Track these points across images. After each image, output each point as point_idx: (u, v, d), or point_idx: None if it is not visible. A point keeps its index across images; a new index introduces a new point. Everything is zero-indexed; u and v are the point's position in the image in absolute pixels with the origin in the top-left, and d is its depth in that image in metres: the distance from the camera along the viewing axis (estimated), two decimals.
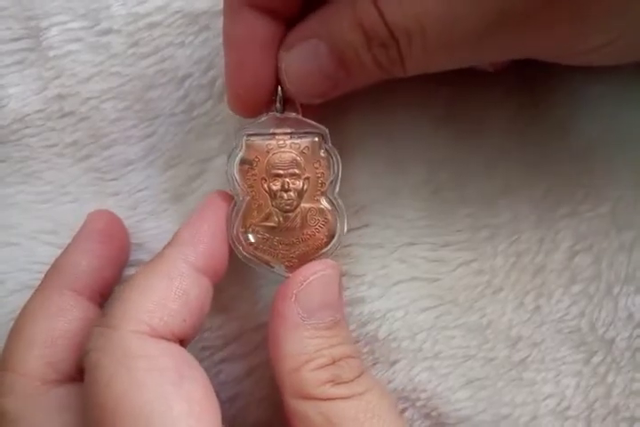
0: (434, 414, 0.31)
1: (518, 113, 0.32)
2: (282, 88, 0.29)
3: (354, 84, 0.28)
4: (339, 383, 0.27)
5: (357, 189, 0.31)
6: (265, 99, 0.29)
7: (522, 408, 0.31)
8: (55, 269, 0.30)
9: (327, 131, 0.29)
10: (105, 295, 0.31)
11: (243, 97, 0.29)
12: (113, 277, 0.31)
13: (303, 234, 0.29)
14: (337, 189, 0.29)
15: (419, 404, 0.31)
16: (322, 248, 0.29)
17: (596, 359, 0.30)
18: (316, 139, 0.29)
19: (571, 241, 0.31)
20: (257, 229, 0.29)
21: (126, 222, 0.33)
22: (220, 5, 0.31)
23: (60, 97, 0.33)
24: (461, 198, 0.31)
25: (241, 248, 0.29)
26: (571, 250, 0.31)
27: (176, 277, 0.27)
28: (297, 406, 0.27)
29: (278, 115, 0.29)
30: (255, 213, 0.29)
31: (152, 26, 0.33)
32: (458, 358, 0.31)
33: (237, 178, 0.29)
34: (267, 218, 0.29)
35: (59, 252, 0.31)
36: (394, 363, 0.31)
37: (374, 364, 0.32)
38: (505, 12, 0.24)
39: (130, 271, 0.32)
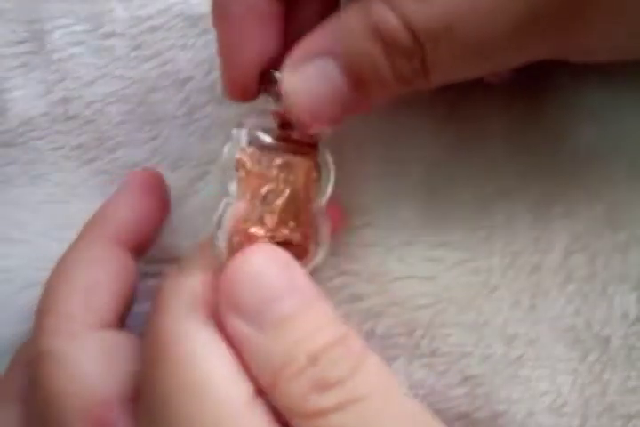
0: (431, 410, 0.31)
1: (516, 117, 0.32)
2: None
3: (370, 105, 0.26)
4: (326, 388, 0.22)
5: (356, 189, 0.32)
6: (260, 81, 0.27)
7: (518, 405, 0.31)
8: (94, 221, 0.30)
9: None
10: (143, 249, 0.31)
11: (237, 79, 0.27)
12: (151, 230, 0.31)
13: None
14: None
15: (416, 401, 0.31)
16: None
17: (591, 357, 0.30)
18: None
19: (566, 241, 0.31)
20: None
21: None
22: None
23: (65, 100, 0.34)
24: (458, 200, 0.31)
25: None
26: (566, 250, 0.31)
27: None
28: None
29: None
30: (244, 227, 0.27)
31: (154, 29, 0.34)
32: (455, 355, 0.31)
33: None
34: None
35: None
36: (392, 360, 0.32)
37: None
38: (536, 8, 0.22)
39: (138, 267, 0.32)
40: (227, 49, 0.27)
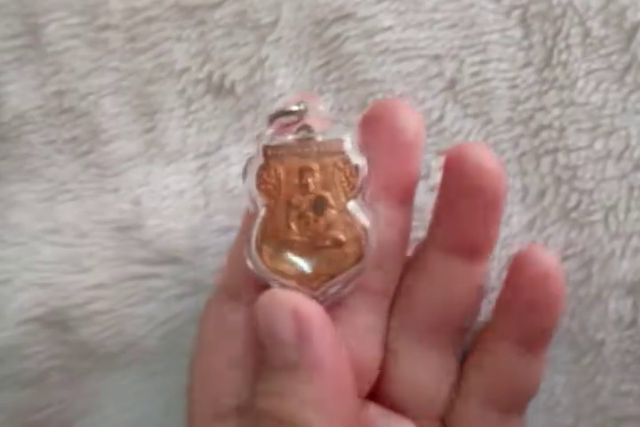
0: None
1: (512, 118, 0.32)
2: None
3: None
4: None
5: None
6: None
7: None
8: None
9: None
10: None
11: None
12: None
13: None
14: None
15: None
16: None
17: (586, 360, 0.30)
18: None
19: (562, 246, 0.31)
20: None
21: (129, 219, 0.33)
22: None
23: (60, 93, 0.33)
24: None
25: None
26: (561, 254, 0.31)
27: None
28: None
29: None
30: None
31: (149, 20, 0.33)
32: None
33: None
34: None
35: (63, 251, 0.32)
36: None
37: None
38: None
39: (136, 269, 0.32)
40: None
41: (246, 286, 0.26)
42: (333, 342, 0.24)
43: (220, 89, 0.33)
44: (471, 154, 0.25)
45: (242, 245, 0.26)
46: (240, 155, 0.33)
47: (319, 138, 0.26)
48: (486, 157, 0.25)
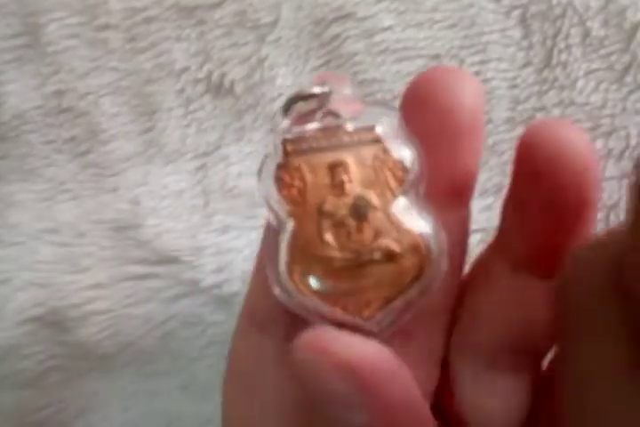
0: None
1: (512, 118, 0.31)
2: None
3: None
4: None
5: None
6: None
7: None
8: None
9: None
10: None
11: None
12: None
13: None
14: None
15: None
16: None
17: None
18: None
19: None
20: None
21: (127, 219, 0.33)
22: None
23: (59, 93, 0.33)
24: None
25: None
26: None
27: None
28: None
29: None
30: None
31: (148, 20, 0.33)
32: None
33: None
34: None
35: (61, 251, 0.32)
36: None
37: None
38: None
39: (134, 269, 0.32)
40: None
41: (275, 316, 0.21)
42: (407, 394, 0.19)
43: (219, 88, 0.33)
44: (549, 134, 0.18)
45: (265, 267, 0.20)
46: (239, 154, 0.33)
47: (349, 126, 0.20)
48: (569, 138, 0.18)
